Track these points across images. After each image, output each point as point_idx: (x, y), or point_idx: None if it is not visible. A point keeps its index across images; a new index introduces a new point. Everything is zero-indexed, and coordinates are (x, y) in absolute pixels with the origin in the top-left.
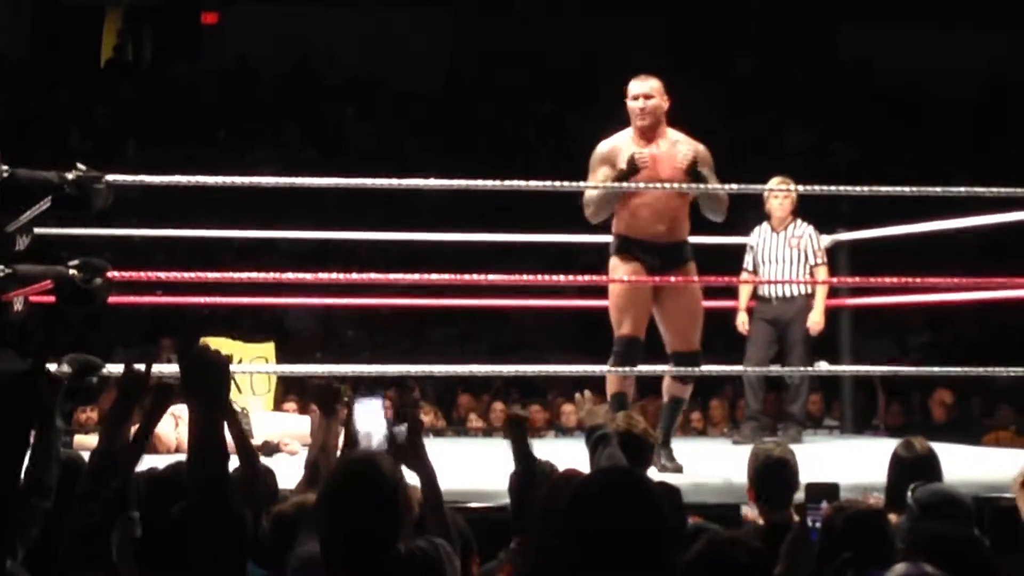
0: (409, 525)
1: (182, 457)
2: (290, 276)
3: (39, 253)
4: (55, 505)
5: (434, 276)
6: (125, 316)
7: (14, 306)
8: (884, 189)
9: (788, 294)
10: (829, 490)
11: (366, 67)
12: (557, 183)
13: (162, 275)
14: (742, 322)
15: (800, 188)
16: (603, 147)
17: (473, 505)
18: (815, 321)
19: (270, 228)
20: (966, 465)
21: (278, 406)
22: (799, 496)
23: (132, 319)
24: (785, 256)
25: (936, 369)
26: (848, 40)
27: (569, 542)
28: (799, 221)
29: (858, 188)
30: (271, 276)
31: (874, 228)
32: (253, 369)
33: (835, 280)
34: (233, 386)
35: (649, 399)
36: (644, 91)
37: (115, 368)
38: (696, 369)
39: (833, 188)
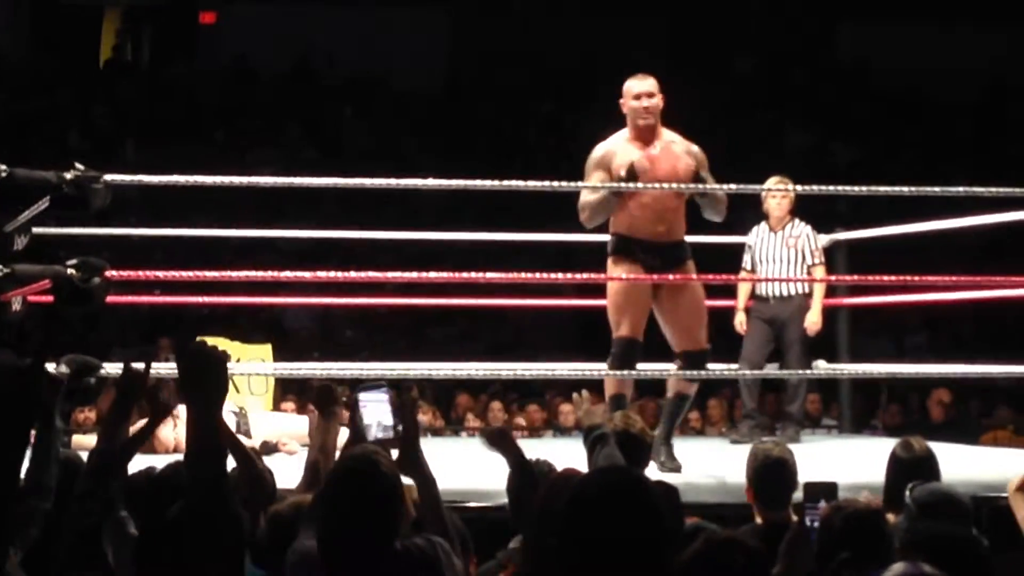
0: (406, 523)
1: (180, 457)
2: (288, 275)
3: (37, 253)
4: (54, 505)
5: (432, 275)
6: (123, 316)
7: (12, 306)
8: (883, 189)
9: (785, 293)
10: (827, 489)
11: (365, 67)
12: (556, 183)
13: (160, 274)
14: (740, 322)
15: (799, 188)
16: (598, 151)
17: (471, 505)
18: (812, 321)
19: (268, 228)
20: (964, 465)
21: (276, 406)
22: (797, 495)
23: (130, 319)
24: (783, 256)
25: (934, 369)
26: (848, 40)
27: (567, 542)
28: (797, 221)
29: (857, 188)
30: (269, 275)
31: (872, 228)
32: (252, 369)
33: (834, 279)
34: (232, 386)
35: (647, 399)
36: (648, 89)
37: (113, 368)
38: (696, 372)
39: (832, 188)
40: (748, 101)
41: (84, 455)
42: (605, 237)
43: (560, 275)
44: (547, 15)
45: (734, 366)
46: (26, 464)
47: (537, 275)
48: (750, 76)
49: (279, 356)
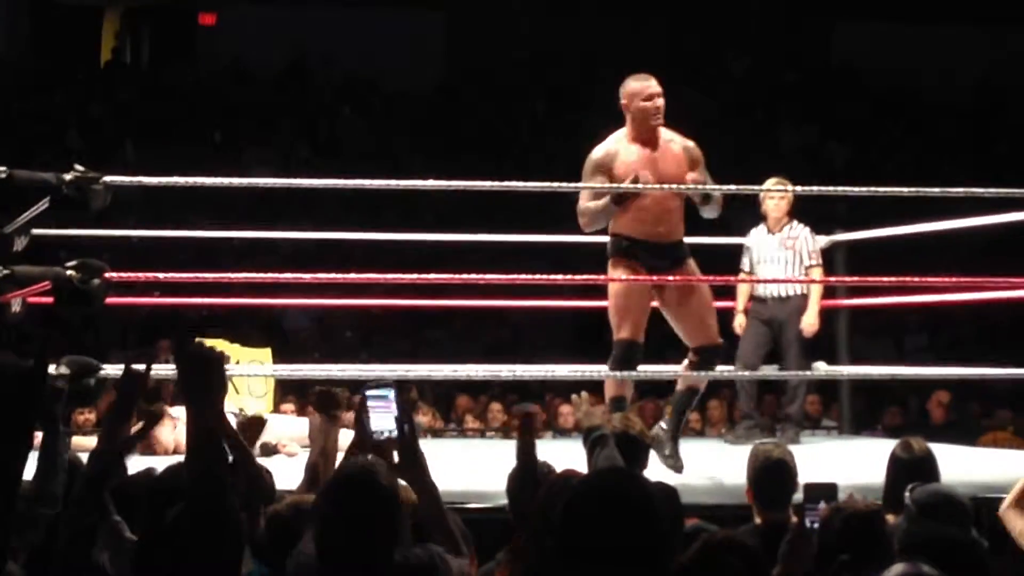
0: (405, 532)
1: (180, 459)
2: (287, 276)
3: (37, 254)
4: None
5: (431, 276)
6: (123, 317)
7: (12, 307)
8: (881, 190)
9: (784, 294)
10: (827, 491)
11: (362, 68)
12: (554, 184)
13: (160, 276)
14: (739, 324)
15: (797, 189)
16: (597, 152)
17: (470, 506)
18: (809, 323)
19: (267, 229)
20: (964, 466)
21: (276, 408)
22: (797, 497)
23: (130, 320)
24: (780, 257)
25: (934, 370)
26: (844, 40)
27: (566, 543)
28: (795, 222)
29: (855, 189)
30: (268, 277)
31: (871, 229)
32: (251, 371)
33: (833, 279)
34: (231, 388)
35: (646, 400)
36: (659, 90)
37: (113, 369)
38: (696, 372)
39: (830, 189)
40: (745, 101)
41: (84, 456)
42: (604, 239)
43: (559, 277)
44: (542, 16)
45: (732, 367)
46: (32, 469)
47: (536, 277)
48: (747, 76)
49: (278, 357)
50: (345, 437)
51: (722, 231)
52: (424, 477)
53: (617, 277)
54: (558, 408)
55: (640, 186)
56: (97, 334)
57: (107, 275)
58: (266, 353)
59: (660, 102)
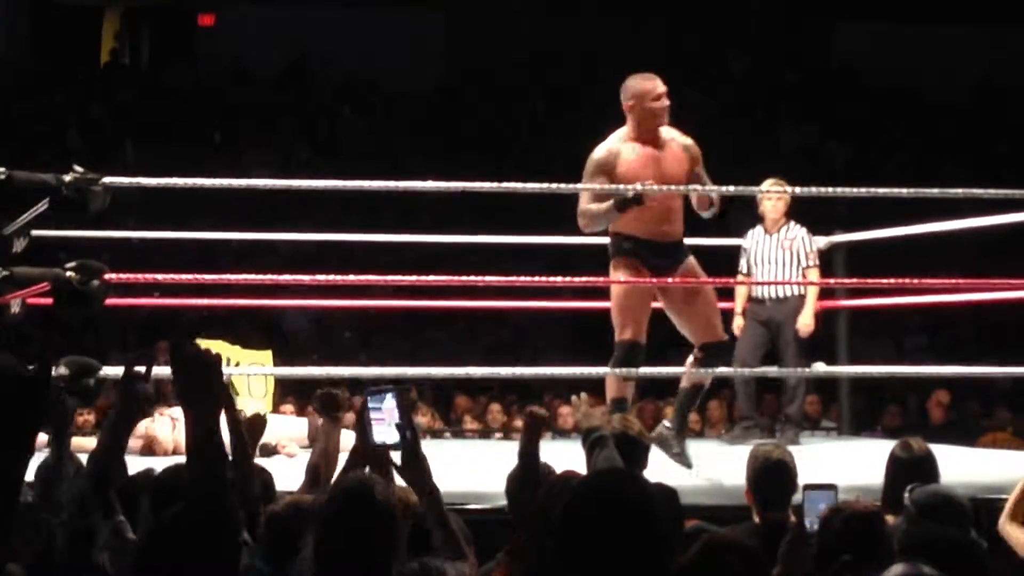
0: (402, 547)
1: (180, 459)
2: (287, 278)
3: (36, 255)
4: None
5: (431, 277)
6: (122, 318)
7: (12, 309)
8: (880, 191)
9: (781, 295)
10: (827, 491)
11: (362, 68)
12: (554, 185)
13: (159, 277)
14: (738, 325)
15: (796, 189)
16: (599, 153)
17: (470, 507)
18: (804, 323)
19: (266, 230)
20: (963, 466)
21: (276, 408)
22: (797, 497)
23: (129, 321)
24: (778, 258)
25: (933, 370)
26: (844, 40)
27: (565, 544)
28: (792, 223)
29: (854, 190)
30: (268, 278)
31: (871, 230)
32: (250, 371)
33: (831, 281)
34: (231, 389)
35: (646, 401)
36: (665, 89)
37: (112, 370)
38: (696, 372)
39: (828, 190)
40: (744, 101)
41: (83, 457)
42: (605, 239)
43: (559, 278)
44: (542, 16)
45: (729, 369)
46: (34, 472)
47: (536, 278)
48: (746, 77)
49: (278, 358)
50: (346, 438)
51: (721, 232)
52: (426, 479)
53: (619, 278)
54: (558, 409)
55: (640, 187)
56: (97, 335)
57: (107, 276)
58: (267, 356)
59: (667, 102)
